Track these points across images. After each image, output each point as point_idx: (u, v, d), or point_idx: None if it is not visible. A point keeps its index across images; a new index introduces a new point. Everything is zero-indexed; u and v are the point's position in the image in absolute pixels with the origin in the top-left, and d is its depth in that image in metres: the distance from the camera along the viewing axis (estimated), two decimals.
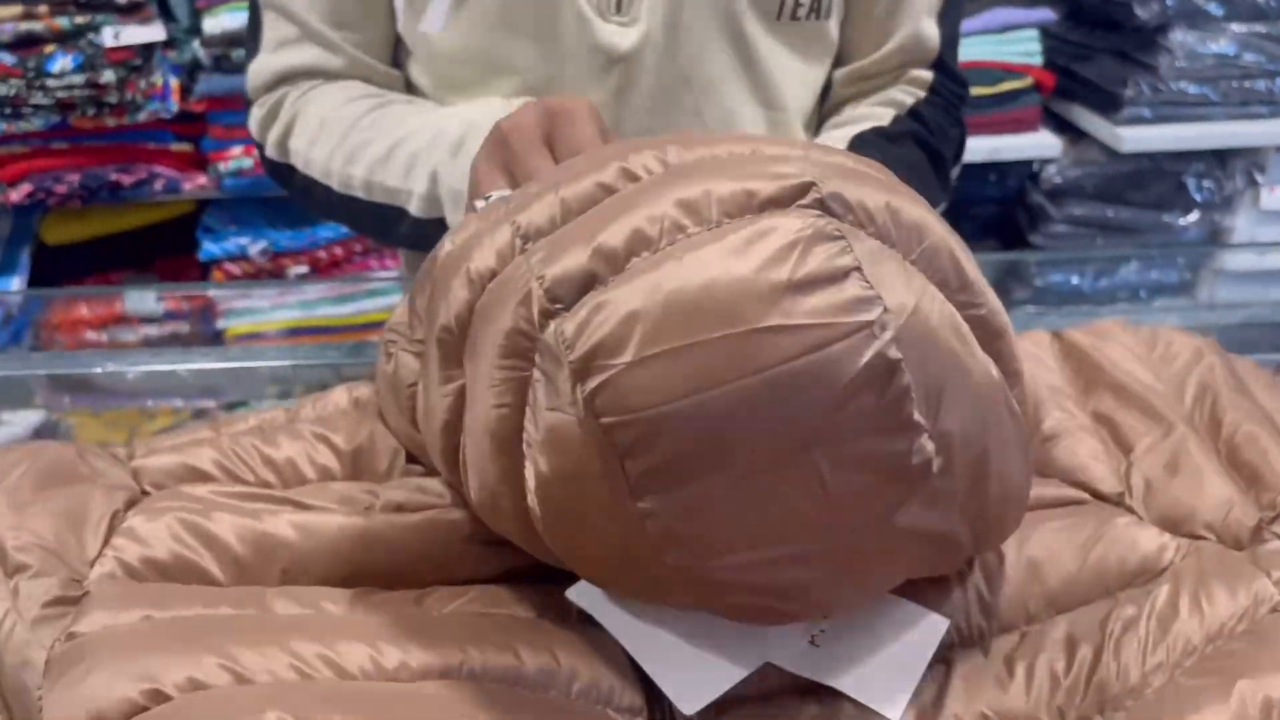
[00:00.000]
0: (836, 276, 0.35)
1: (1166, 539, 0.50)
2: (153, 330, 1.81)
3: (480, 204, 0.51)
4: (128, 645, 0.41)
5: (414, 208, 0.71)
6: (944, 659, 0.46)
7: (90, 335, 1.74)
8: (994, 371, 0.41)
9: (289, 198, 0.82)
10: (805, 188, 0.38)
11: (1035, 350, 0.61)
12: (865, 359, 0.35)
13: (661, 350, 0.34)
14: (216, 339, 1.78)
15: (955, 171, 0.83)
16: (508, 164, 0.55)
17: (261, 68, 0.79)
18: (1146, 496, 0.53)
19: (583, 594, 0.46)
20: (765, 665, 0.43)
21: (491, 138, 0.57)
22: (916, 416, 0.36)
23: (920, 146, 0.78)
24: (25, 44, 1.61)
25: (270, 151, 0.80)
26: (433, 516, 0.50)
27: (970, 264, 0.42)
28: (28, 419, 1.01)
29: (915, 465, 0.37)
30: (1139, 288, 2.00)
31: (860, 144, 0.76)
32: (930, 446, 0.37)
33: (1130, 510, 0.53)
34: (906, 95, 0.80)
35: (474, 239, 0.44)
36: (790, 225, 0.36)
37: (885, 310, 0.35)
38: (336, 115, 0.75)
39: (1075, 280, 1.98)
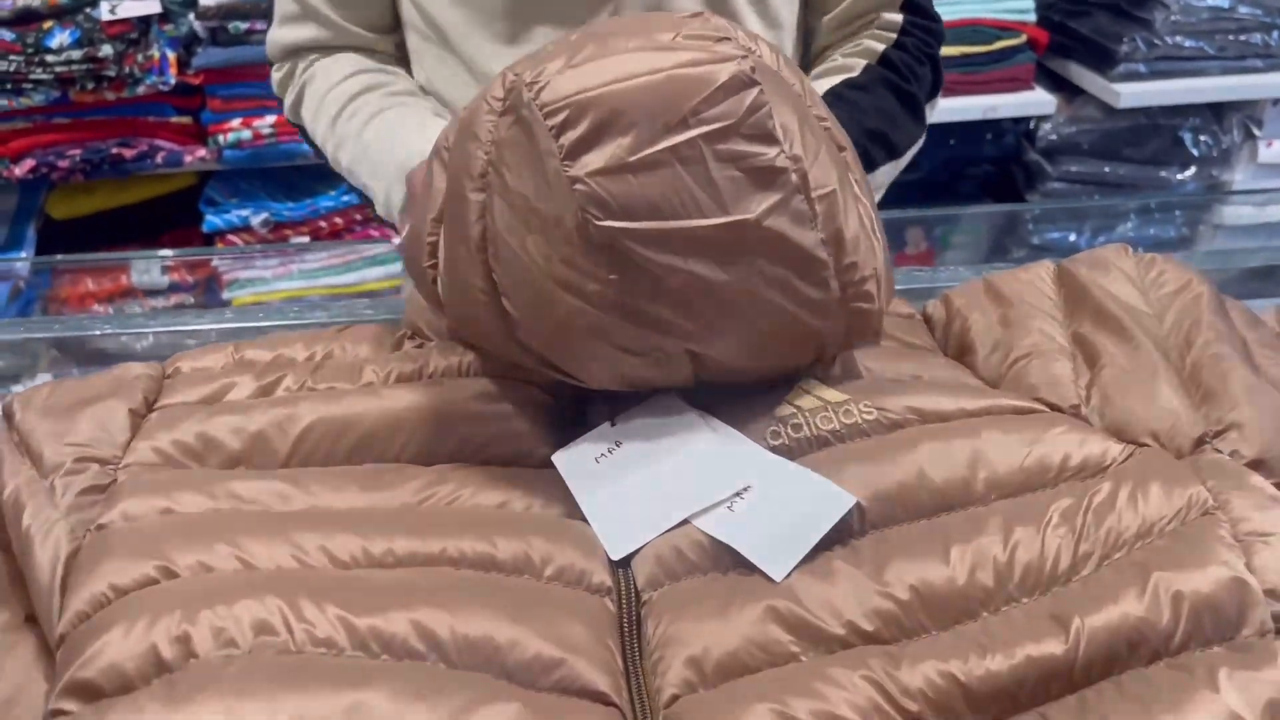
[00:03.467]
0: (720, 33, 0.51)
1: (1111, 443, 0.52)
2: (159, 303, 1.83)
3: None
4: (147, 534, 0.47)
5: (377, 206, 0.83)
6: (882, 533, 0.48)
7: (97, 309, 1.77)
8: (838, 151, 0.55)
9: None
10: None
11: (1034, 279, 0.64)
12: (733, 72, 0.49)
13: (587, 57, 0.49)
14: (222, 311, 1.80)
15: (932, 104, 0.88)
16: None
17: (274, 39, 0.90)
18: (1101, 408, 0.55)
19: (562, 458, 0.54)
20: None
21: (408, 193, 0.70)
22: (773, 129, 0.50)
23: (890, 90, 0.83)
24: (24, 20, 1.63)
25: (288, 113, 0.92)
26: (427, 387, 0.56)
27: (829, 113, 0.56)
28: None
29: (776, 168, 0.50)
30: (1137, 244, 2.01)
31: (832, 97, 0.80)
32: (786, 160, 0.50)
33: (1084, 420, 0.55)
34: (877, 42, 0.85)
35: None
36: (691, 18, 0.53)
37: (752, 56, 0.50)
38: (330, 98, 0.86)
39: (1073, 237, 1.98)
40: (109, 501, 0.49)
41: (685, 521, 0.49)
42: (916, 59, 0.85)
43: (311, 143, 0.90)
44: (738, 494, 0.50)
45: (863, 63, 0.84)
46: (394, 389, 0.56)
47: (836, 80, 0.83)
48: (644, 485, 0.52)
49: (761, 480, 0.50)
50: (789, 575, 0.46)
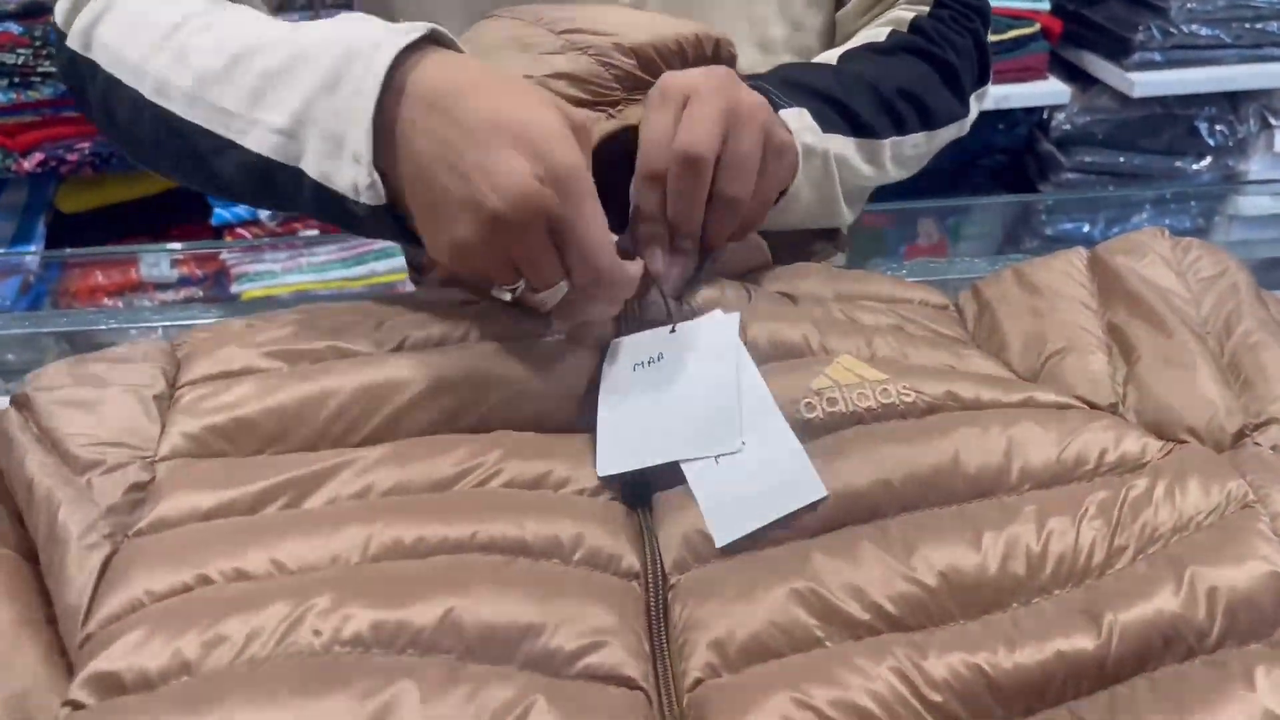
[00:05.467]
0: None
1: (1150, 439, 0.51)
2: (168, 297, 1.83)
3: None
4: (183, 541, 0.47)
5: (255, 143, 0.54)
6: (913, 516, 0.47)
7: (106, 303, 1.77)
8: None
9: (81, 112, 0.67)
10: None
11: (1066, 267, 0.63)
12: None
13: None
14: (231, 304, 1.80)
15: (980, 92, 0.81)
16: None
17: None
18: (1138, 403, 0.54)
19: (618, 346, 0.56)
20: None
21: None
22: None
23: (920, 57, 0.76)
24: (32, 13, 1.62)
25: (72, 41, 0.64)
26: (469, 349, 0.55)
27: None
28: None
29: None
30: None
31: (848, 58, 0.74)
32: None
33: (1121, 417, 0.54)
34: (907, 11, 0.79)
35: None
36: None
37: None
38: (163, 8, 0.61)
39: (1086, 228, 1.97)
40: (148, 502, 0.48)
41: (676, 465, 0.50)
42: (954, 30, 0.78)
43: (101, 81, 0.62)
44: (729, 452, 0.50)
45: (888, 29, 0.77)
46: (430, 353, 0.54)
47: (857, 44, 0.75)
48: (659, 413, 0.52)
49: (759, 444, 0.50)
50: (732, 537, 0.47)
